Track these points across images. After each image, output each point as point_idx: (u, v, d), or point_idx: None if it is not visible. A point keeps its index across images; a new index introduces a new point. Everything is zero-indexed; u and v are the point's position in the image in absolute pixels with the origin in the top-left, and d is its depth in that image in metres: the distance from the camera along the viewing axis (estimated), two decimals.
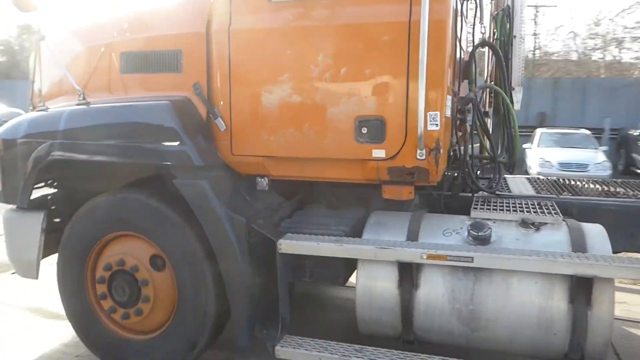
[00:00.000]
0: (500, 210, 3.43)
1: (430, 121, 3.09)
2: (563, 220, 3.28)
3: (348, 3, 3.19)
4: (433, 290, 3.16)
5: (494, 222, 3.28)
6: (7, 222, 3.87)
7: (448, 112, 3.24)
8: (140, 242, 3.54)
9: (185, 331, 3.51)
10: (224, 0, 3.35)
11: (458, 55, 3.65)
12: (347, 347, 3.25)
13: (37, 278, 3.83)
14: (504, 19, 4.21)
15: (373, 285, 3.26)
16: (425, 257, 3.05)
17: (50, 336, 4.32)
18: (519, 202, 3.63)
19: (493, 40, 4.69)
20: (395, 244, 3.17)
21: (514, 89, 4.74)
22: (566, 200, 3.76)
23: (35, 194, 3.83)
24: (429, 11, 2.91)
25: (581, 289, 2.92)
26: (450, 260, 3.03)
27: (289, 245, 3.25)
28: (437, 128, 3.09)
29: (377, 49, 3.13)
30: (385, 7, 3.11)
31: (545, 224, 3.23)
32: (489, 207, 3.51)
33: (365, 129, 3.20)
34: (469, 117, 3.48)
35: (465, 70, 3.87)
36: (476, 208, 3.48)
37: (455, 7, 3.31)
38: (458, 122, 3.53)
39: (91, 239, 3.62)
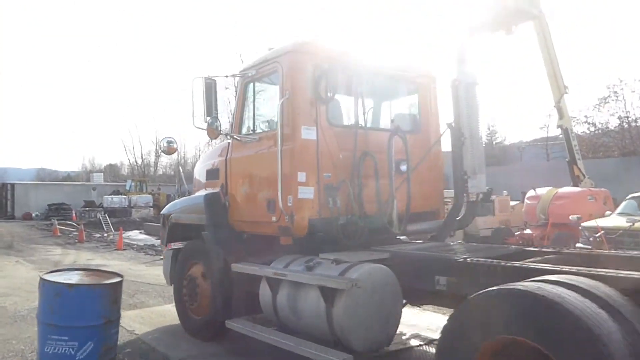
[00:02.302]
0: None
1: (288, 201, 5.74)
2: (361, 261, 5.31)
3: (261, 145, 6.17)
4: (283, 294, 5.63)
5: (329, 260, 5.51)
6: (164, 253, 7.88)
7: (304, 195, 5.74)
8: (202, 267, 6.96)
9: (211, 318, 6.70)
10: (232, 144, 6.71)
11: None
12: (250, 324, 5.97)
13: (170, 285, 7.64)
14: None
15: (264, 292, 5.90)
16: (272, 273, 5.65)
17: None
18: (370, 252, 5.69)
19: None
20: (264, 267, 5.83)
21: (469, 176, 6.50)
22: (400, 251, 5.60)
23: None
24: (284, 144, 5.71)
25: (329, 295, 5.04)
26: (280, 276, 5.55)
27: (235, 266, 6.22)
28: (290, 204, 5.71)
29: (271, 164, 5.97)
30: (268, 144, 5.98)
31: (346, 262, 5.34)
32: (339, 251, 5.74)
33: (270, 205, 6.01)
34: (332, 199, 5.83)
35: None
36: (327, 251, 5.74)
37: (319, 133, 5.84)
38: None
39: (183, 264, 7.27)
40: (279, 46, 6.18)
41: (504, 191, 18.91)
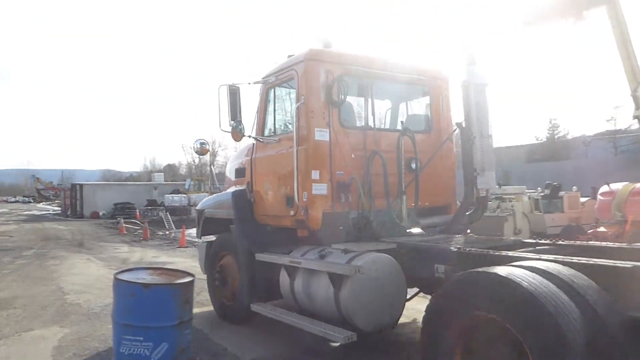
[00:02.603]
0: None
1: (304, 197, 6.28)
2: (368, 251, 5.78)
3: (281, 145, 6.74)
4: (299, 280, 6.20)
5: (340, 250, 6.02)
6: (199, 245, 8.57)
7: (318, 191, 6.26)
8: (232, 257, 7.60)
9: (239, 303, 7.33)
10: (255, 145, 7.32)
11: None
12: (272, 307, 6.55)
13: (204, 273, 8.32)
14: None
15: (283, 279, 6.48)
16: (289, 262, 6.21)
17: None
18: (378, 243, 6.16)
19: None
20: (283, 256, 6.39)
21: (478, 173, 6.86)
22: (405, 242, 6.02)
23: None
24: (300, 145, 6.26)
25: (337, 280, 5.56)
26: (295, 264, 6.11)
27: (258, 256, 6.83)
28: (305, 200, 6.25)
29: (289, 163, 6.52)
30: (286, 145, 6.54)
31: (354, 251, 5.83)
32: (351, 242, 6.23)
33: (289, 200, 6.57)
34: (343, 194, 6.33)
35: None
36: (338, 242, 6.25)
37: (332, 134, 6.35)
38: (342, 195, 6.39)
39: (215, 255, 7.95)
40: (296, 54, 6.72)
41: (574, 187, 17.92)
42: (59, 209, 53.78)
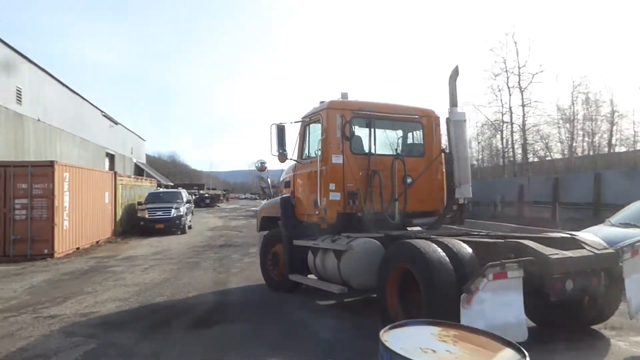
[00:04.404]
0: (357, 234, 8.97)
1: (324, 201, 9.21)
2: (362, 237, 8.57)
3: (312, 166, 9.70)
4: (318, 257, 9.13)
5: (345, 236, 8.87)
6: (259, 237, 11.69)
7: (333, 198, 9.16)
8: (280, 245, 10.62)
9: (285, 278, 10.31)
10: (296, 165, 10.34)
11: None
12: (301, 276, 9.52)
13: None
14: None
15: (309, 257, 9.43)
16: (312, 244, 9.17)
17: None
18: (372, 233, 8.96)
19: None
20: (310, 241, 9.34)
21: (457, 186, 9.52)
22: (388, 233, 8.75)
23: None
24: (322, 166, 9.24)
25: (338, 255, 8.44)
26: (315, 245, 9.06)
27: (295, 241, 9.81)
28: (325, 203, 9.17)
29: (315, 178, 9.47)
30: (314, 166, 9.49)
31: (353, 237, 8.65)
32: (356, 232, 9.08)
33: (315, 204, 9.51)
34: (352, 200, 9.18)
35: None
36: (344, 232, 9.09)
37: (344, 159, 9.26)
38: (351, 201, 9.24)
39: (267, 243, 11.06)
40: (323, 103, 9.67)
41: None
42: None
